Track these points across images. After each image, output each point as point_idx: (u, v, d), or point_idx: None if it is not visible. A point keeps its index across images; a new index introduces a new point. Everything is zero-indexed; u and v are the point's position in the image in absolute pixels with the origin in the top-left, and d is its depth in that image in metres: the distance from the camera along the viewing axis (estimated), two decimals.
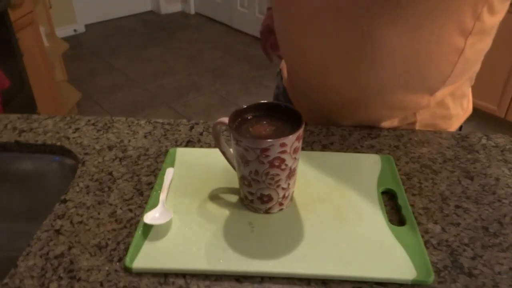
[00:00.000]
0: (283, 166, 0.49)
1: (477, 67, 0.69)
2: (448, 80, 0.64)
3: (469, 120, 0.79)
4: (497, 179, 0.61)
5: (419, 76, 0.63)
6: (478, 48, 0.63)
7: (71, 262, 0.48)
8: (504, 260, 0.48)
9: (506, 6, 0.60)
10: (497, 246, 0.50)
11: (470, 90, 0.76)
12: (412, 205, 0.56)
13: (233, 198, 0.56)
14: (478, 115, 2.13)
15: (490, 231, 0.52)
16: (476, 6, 0.57)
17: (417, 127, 0.73)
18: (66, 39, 3.56)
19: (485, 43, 0.64)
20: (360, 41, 0.60)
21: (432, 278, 0.45)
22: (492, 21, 0.60)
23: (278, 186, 0.51)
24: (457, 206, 0.56)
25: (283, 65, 0.89)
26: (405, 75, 0.62)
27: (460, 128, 0.78)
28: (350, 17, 0.59)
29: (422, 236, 0.51)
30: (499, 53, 2.06)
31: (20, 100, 1.97)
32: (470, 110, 0.78)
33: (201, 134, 0.71)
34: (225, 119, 0.51)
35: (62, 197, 0.57)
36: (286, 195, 0.53)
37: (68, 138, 0.69)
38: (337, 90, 0.68)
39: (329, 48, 0.63)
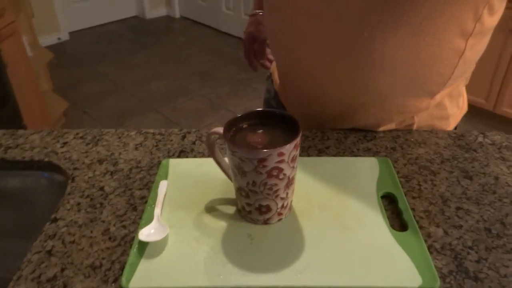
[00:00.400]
0: (281, 176, 0.47)
1: (473, 67, 0.68)
2: (448, 82, 0.63)
3: None
4: (496, 178, 0.60)
5: (419, 80, 0.61)
6: (477, 49, 0.62)
7: (65, 285, 0.46)
8: (509, 262, 0.48)
9: (504, 5, 0.60)
10: (501, 247, 0.50)
11: (464, 88, 0.75)
12: (412, 209, 0.55)
13: (230, 210, 0.54)
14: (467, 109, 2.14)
15: (493, 232, 0.51)
16: (477, 8, 0.56)
17: (415, 129, 0.72)
18: (50, 47, 3.52)
19: (483, 44, 0.63)
20: (361, 46, 0.58)
21: (438, 284, 0.44)
22: (491, 21, 0.59)
23: (276, 196, 0.49)
24: (458, 208, 0.55)
25: (274, 69, 0.88)
26: (406, 79, 0.61)
27: (456, 127, 0.77)
28: (351, 22, 0.57)
29: (425, 241, 0.50)
30: (487, 47, 2.08)
31: (5, 111, 1.93)
32: (465, 108, 0.78)
33: (193, 143, 0.69)
34: (219, 129, 0.50)
35: (52, 216, 0.55)
36: (285, 204, 0.51)
37: (56, 153, 0.67)
38: (336, 96, 0.66)
39: (328, 54, 0.62)
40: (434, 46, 0.58)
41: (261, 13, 0.91)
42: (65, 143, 0.70)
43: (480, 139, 0.69)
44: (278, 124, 0.51)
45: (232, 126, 0.50)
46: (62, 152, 0.67)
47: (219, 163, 0.55)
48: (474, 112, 2.33)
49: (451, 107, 0.72)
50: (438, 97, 0.67)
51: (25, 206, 0.67)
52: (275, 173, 0.47)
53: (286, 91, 0.81)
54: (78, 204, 0.57)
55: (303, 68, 0.67)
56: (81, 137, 0.71)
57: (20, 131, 0.73)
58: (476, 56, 0.64)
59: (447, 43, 0.58)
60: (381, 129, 0.71)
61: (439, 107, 0.70)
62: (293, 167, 0.48)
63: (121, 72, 3.24)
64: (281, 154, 0.46)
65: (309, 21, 0.61)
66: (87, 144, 0.69)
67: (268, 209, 0.50)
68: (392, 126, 0.71)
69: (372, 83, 0.62)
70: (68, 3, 3.87)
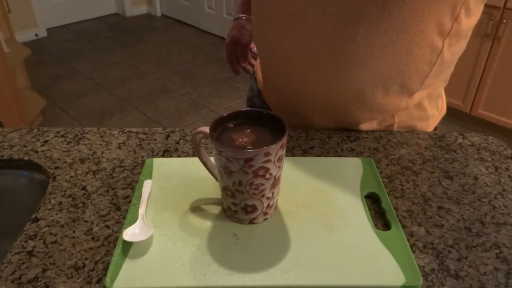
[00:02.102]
0: (267, 176, 0.48)
1: (451, 69, 0.70)
2: (426, 81, 0.65)
3: None
4: (476, 178, 0.62)
5: (399, 77, 0.63)
6: (454, 50, 0.64)
7: (47, 286, 0.45)
8: (488, 260, 0.49)
9: (480, 9, 0.62)
10: (480, 246, 0.51)
11: (443, 90, 0.77)
12: (395, 208, 0.56)
13: (216, 209, 0.54)
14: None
15: (473, 231, 0.53)
16: (455, 8, 0.58)
17: (395, 129, 0.74)
18: (27, 44, 3.44)
19: (461, 46, 0.65)
20: (344, 41, 0.59)
21: (420, 282, 0.45)
22: (468, 23, 0.61)
23: (262, 196, 0.49)
24: (439, 207, 0.56)
25: (257, 67, 0.88)
26: (386, 77, 0.62)
27: (435, 128, 0.79)
28: (334, 17, 0.58)
29: (408, 240, 0.51)
30: (464, 50, 2.13)
31: None
32: (444, 110, 0.80)
33: (178, 142, 0.68)
34: (205, 128, 0.50)
35: (33, 216, 0.54)
36: (271, 204, 0.51)
37: (37, 152, 0.66)
38: (318, 92, 0.67)
39: (312, 49, 0.63)
40: (414, 44, 0.59)
41: (244, 17, 0.91)
42: (45, 142, 0.68)
43: (459, 140, 0.70)
44: (264, 124, 0.51)
45: (218, 126, 0.50)
46: (42, 151, 0.66)
47: (204, 163, 0.55)
48: (451, 114, 2.38)
49: (430, 108, 0.74)
50: (416, 97, 0.68)
51: (5, 206, 0.65)
52: (261, 173, 0.47)
53: (268, 89, 0.81)
54: (60, 203, 0.56)
55: (287, 63, 0.67)
56: (62, 136, 0.70)
57: None
58: (453, 57, 0.66)
59: (426, 42, 0.60)
60: (362, 127, 0.72)
61: (419, 108, 0.72)
62: (279, 167, 0.49)
63: (100, 70, 3.19)
64: (267, 154, 0.46)
65: (294, 16, 0.61)
66: (69, 142, 0.68)
67: (254, 208, 0.50)
68: (373, 125, 0.72)
69: (354, 79, 0.63)
70: None
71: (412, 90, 0.66)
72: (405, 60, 0.61)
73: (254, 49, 0.94)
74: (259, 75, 0.86)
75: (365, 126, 0.72)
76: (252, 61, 0.96)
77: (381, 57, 0.60)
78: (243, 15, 0.91)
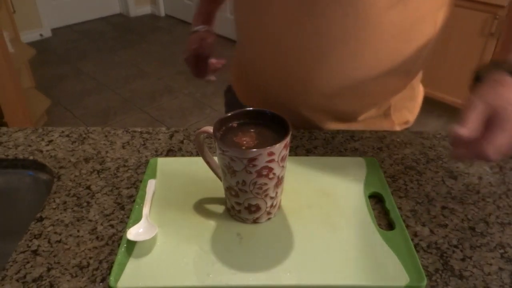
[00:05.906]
0: (271, 175, 0.48)
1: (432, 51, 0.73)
2: (419, 61, 0.68)
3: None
4: (480, 178, 0.61)
5: (399, 56, 0.65)
6: (443, 22, 0.67)
7: (51, 285, 0.45)
8: (493, 260, 0.49)
9: None
10: (485, 246, 0.51)
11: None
12: (399, 208, 0.56)
13: (219, 209, 0.54)
14: (447, 110, 2.18)
15: (477, 231, 0.53)
16: None
17: (392, 111, 0.76)
18: (32, 44, 3.45)
19: (446, 17, 0.67)
20: (355, 20, 0.60)
21: (424, 282, 0.45)
22: None
23: (266, 195, 0.49)
24: (443, 207, 0.56)
25: (234, 81, 0.86)
26: (391, 56, 0.65)
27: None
28: (345, 4, 0.59)
29: (412, 239, 0.51)
30: (467, 49, 2.11)
31: None
32: (422, 90, 0.83)
33: (181, 142, 0.69)
34: (209, 128, 0.50)
35: (38, 215, 0.54)
36: (274, 204, 0.51)
37: (41, 151, 0.66)
38: (322, 79, 0.67)
39: (321, 39, 0.63)
40: (419, 19, 0.62)
41: (203, 29, 0.88)
42: (50, 141, 0.68)
43: None
44: (267, 124, 0.51)
45: (222, 125, 0.50)
46: (47, 150, 0.66)
47: (208, 162, 0.55)
48: (454, 113, 2.37)
49: (417, 85, 0.78)
50: (411, 77, 0.72)
51: (9, 205, 0.66)
52: (265, 173, 0.47)
53: (254, 96, 0.79)
54: (64, 203, 0.56)
55: (291, 58, 0.66)
56: (67, 135, 0.70)
57: (4, 129, 0.72)
58: (441, 31, 0.68)
59: (427, 17, 0.63)
60: (361, 117, 0.73)
61: (410, 87, 0.75)
62: (283, 166, 0.49)
63: (104, 71, 3.20)
64: (271, 153, 0.46)
65: (300, 9, 0.61)
66: (73, 142, 0.68)
67: (258, 208, 0.50)
68: (371, 112, 0.74)
69: (359, 59, 0.64)
70: None
71: (409, 69, 0.69)
72: (408, 38, 0.63)
73: (213, 61, 0.91)
74: (238, 87, 0.84)
75: (363, 110, 0.74)
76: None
77: (390, 33, 0.62)
78: (201, 26, 0.89)
